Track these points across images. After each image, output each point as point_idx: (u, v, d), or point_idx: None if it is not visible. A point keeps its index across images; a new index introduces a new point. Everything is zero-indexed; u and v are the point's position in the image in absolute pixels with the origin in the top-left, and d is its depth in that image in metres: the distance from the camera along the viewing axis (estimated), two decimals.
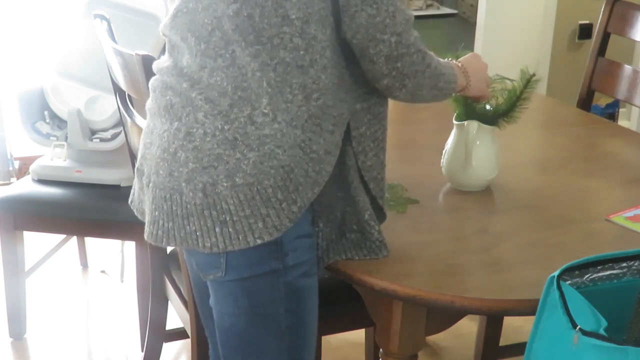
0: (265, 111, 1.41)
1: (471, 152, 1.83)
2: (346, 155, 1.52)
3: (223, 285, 1.51)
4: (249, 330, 1.53)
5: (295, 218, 1.45)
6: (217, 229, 1.43)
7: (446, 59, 1.65)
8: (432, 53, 1.53)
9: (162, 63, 1.54)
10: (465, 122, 1.82)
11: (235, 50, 1.41)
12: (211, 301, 1.57)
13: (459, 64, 1.67)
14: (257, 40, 1.39)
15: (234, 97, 1.41)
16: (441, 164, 1.90)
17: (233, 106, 1.41)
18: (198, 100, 1.43)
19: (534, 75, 1.81)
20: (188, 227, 1.45)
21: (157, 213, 1.49)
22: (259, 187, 1.41)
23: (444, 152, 1.89)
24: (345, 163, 1.52)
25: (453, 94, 1.67)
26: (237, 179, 1.41)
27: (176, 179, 1.44)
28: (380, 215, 1.59)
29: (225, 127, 1.41)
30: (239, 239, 1.43)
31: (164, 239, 1.49)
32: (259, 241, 1.43)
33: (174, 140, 1.45)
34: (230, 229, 1.43)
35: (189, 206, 1.44)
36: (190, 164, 1.43)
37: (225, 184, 1.41)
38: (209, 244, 1.44)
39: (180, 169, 1.44)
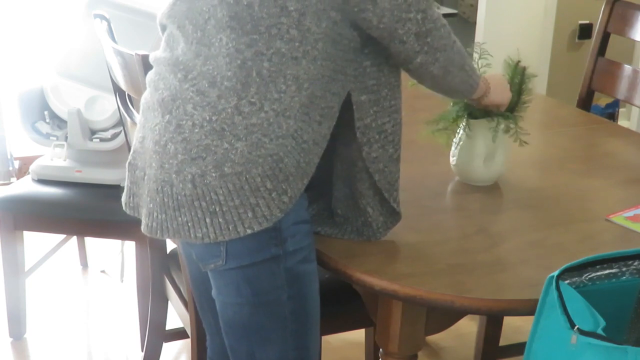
0: (253, 100, 1.42)
1: (497, 147, 1.85)
2: (353, 145, 1.55)
3: (224, 274, 1.52)
4: (252, 319, 1.55)
5: (286, 208, 1.46)
6: (208, 220, 1.44)
7: None
8: None
9: (158, 54, 1.56)
10: (488, 119, 1.84)
11: (222, 38, 1.42)
12: (213, 292, 1.58)
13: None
14: (255, 29, 1.40)
15: (221, 87, 1.43)
16: (451, 161, 1.91)
17: (220, 97, 1.43)
18: (189, 92, 1.45)
19: (519, 62, 1.84)
20: (180, 219, 1.46)
21: (151, 205, 1.51)
22: (247, 176, 1.42)
23: (454, 148, 1.90)
24: (351, 154, 1.56)
25: (473, 95, 1.69)
26: (225, 169, 1.42)
27: (167, 171, 1.46)
28: (394, 215, 1.61)
29: (213, 118, 1.43)
30: (229, 229, 1.44)
31: (158, 231, 1.51)
32: (249, 231, 1.44)
33: (165, 132, 1.47)
34: (220, 220, 1.44)
35: (179, 197, 1.45)
36: (180, 155, 1.44)
37: (214, 175, 1.43)
38: (200, 235, 1.45)
39: (171, 161, 1.45)
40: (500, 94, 1.76)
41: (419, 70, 1.54)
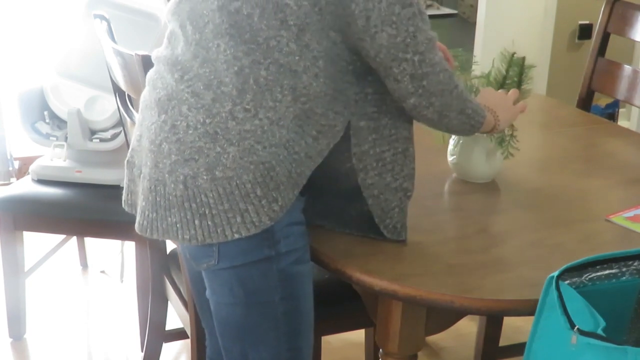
0: (248, 107, 1.42)
1: (500, 143, 1.86)
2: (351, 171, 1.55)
3: (217, 274, 1.52)
4: (245, 320, 1.55)
5: (276, 217, 1.46)
6: (197, 222, 1.45)
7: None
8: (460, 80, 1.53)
9: (160, 51, 1.57)
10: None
11: (220, 44, 1.42)
12: (207, 292, 1.59)
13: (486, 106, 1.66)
14: (253, 39, 1.41)
15: (217, 91, 1.43)
16: (450, 159, 1.92)
17: (215, 101, 1.43)
18: (184, 93, 1.45)
19: (514, 54, 1.85)
20: (170, 219, 1.47)
21: (144, 204, 1.51)
22: (238, 181, 1.43)
23: (452, 146, 1.90)
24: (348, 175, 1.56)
25: (480, 131, 1.65)
26: (217, 172, 1.43)
27: (160, 170, 1.46)
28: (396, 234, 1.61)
29: (207, 121, 1.43)
30: (217, 232, 1.44)
31: (148, 229, 1.51)
32: (236, 235, 1.44)
33: (160, 132, 1.47)
34: (209, 222, 1.44)
35: (170, 197, 1.46)
36: (173, 155, 1.45)
37: (205, 177, 1.43)
38: (188, 237, 1.46)
39: (164, 161, 1.46)
40: (508, 114, 1.71)
41: (413, 112, 1.51)
